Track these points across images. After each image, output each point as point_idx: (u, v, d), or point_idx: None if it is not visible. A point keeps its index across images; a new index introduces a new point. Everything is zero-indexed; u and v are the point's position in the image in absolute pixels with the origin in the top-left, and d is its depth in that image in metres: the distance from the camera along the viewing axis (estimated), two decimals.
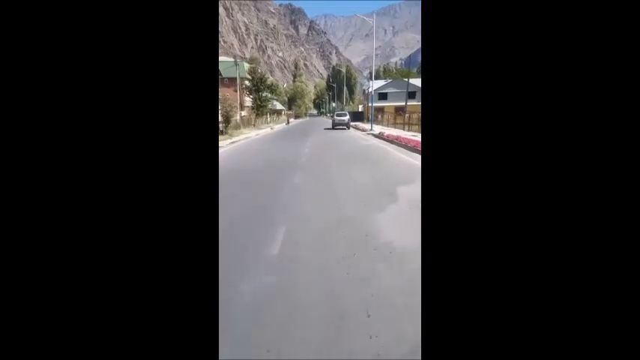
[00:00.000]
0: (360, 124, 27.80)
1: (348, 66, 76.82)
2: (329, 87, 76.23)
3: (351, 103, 68.24)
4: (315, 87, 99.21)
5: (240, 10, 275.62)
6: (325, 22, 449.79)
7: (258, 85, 34.07)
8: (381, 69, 78.07)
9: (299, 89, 75.11)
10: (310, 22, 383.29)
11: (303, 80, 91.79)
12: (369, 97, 44.34)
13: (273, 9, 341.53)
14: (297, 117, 64.72)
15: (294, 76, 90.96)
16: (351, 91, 71.73)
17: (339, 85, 62.52)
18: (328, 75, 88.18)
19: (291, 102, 71.77)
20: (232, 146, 13.02)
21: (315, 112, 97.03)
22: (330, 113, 75.23)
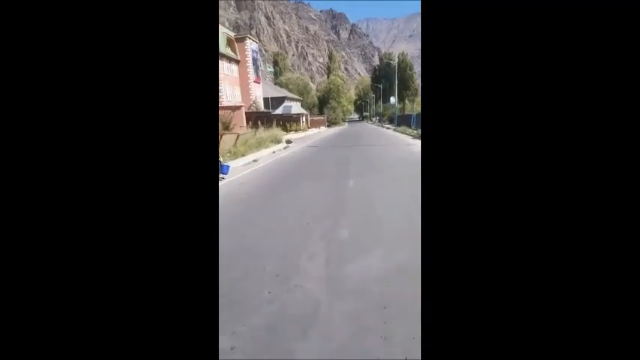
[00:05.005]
0: None
1: (403, 52, 56.13)
2: (376, 79, 56.62)
3: (409, 102, 48.06)
4: (356, 87, 79.14)
5: (281, 18, 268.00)
6: (367, 25, 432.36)
7: None
8: None
9: (333, 85, 53.81)
10: (352, 26, 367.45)
11: (340, 75, 70.28)
12: None
13: (314, 15, 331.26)
14: (331, 124, 44.70)
15: (329, 70, 68.74)
16: (406, 87, 51.26)
17: (392, 76, 42.72)
18: (375, 67, 67.89)
19: (323, 103, 52.33)
20: None
21: (355, 116, 76.86)
22: (376, 117, 55.66)
